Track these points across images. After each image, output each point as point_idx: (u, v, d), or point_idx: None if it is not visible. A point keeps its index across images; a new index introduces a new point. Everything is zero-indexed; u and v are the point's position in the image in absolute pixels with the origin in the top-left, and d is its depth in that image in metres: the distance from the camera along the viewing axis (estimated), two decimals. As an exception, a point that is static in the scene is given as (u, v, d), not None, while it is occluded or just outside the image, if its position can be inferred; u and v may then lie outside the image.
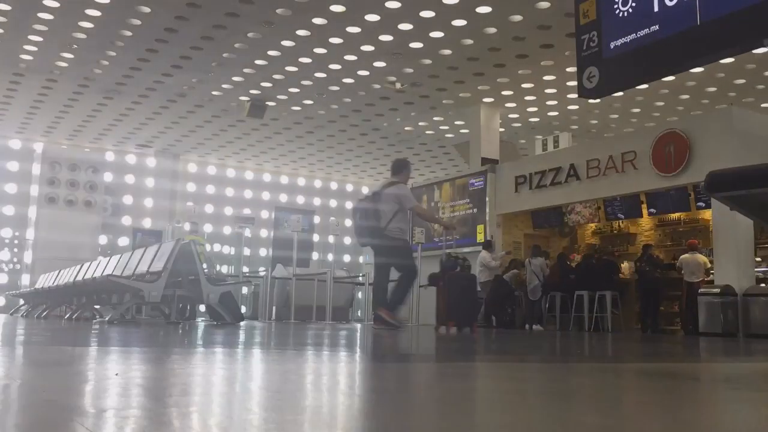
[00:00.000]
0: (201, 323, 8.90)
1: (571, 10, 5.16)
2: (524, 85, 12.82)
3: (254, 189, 20.35)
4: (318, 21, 10.31)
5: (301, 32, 10.74)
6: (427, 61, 11.78)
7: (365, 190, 21.66)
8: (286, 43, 11.19)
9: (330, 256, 15.26)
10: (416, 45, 11.10)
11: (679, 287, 11.39)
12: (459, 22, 10.24)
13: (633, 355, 4.78)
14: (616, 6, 4.58)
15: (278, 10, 9.99)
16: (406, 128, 15.71)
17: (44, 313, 11.68)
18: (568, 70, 11.53)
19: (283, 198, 20.68)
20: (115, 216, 18.32)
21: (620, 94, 12.32)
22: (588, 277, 11.77)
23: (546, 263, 12.48)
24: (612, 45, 4.56)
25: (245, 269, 14.46)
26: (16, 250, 17.41)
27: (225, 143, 17.52)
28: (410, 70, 12.22)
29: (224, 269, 17.65)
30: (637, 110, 14.06)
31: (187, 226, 13.24)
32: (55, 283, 12.31)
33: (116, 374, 2.10)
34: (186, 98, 14.12)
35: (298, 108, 14.52)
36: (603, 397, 2.01)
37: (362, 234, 7.44)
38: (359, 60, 11.81)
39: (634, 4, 4.47)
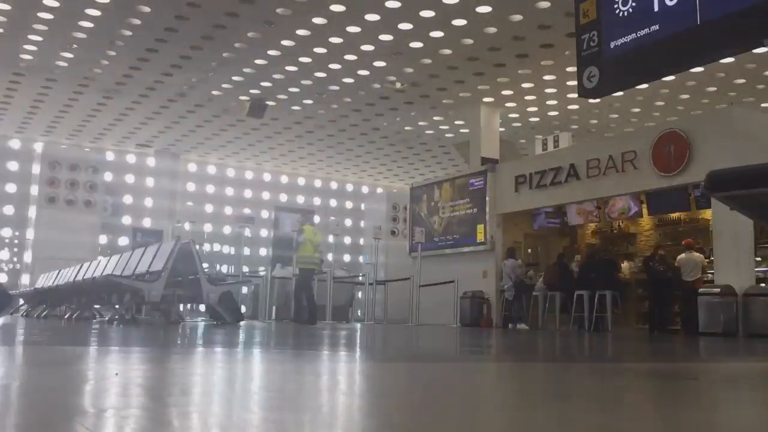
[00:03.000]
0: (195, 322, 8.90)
1: (571, 10, 5.15)
2: (524, 85, 12.81)
3: (254, 189, 20.34)
4: (318, 21, 10.30)
5: (301, 32, 10.74)
6: (427, 61, 11.77)
7: (365, 190, 21.67)
8: (286, 43, 11.18)
9: (330, 256, 15.26)
10: (416, 45, 11.09)
11: (680, 287, 11.36)
12: (459, 22, 10.23)
13: (635, 355, 4.78)
14: (616, 6, 4.58)
15: (278, 10, 9.99)
16: (406, 128, 15.71)
17: (44, 313, 11.66)
18: (568, 69, 11.52)
19: (283, 198, 20.66)
20: (115, 216, 18.31)
21: (620, 94, 12.31)
22: (588, 276, 11.74)
23: (519, 264, 12.67)
24: (612, 45, 4.56)
25: (245, 269, 14.43)
26: (16, 250, 17.41)
27: (225, 143, 17.50)
28: (410, 70, 12.22)
29: (224, 269, 17.65)
30: (637, 110, 14.05)
31: (187, 226, 13.19)
32: (55, 283, 12.30)
33: (116, 374, 2.10)
34: (186, 98, 14.11)
35: (298, 108, 14.51)
36: (605, 396, 2.01)
37: None
38: (359, 60, 11.81)
39: (634, 4, 4.46)
